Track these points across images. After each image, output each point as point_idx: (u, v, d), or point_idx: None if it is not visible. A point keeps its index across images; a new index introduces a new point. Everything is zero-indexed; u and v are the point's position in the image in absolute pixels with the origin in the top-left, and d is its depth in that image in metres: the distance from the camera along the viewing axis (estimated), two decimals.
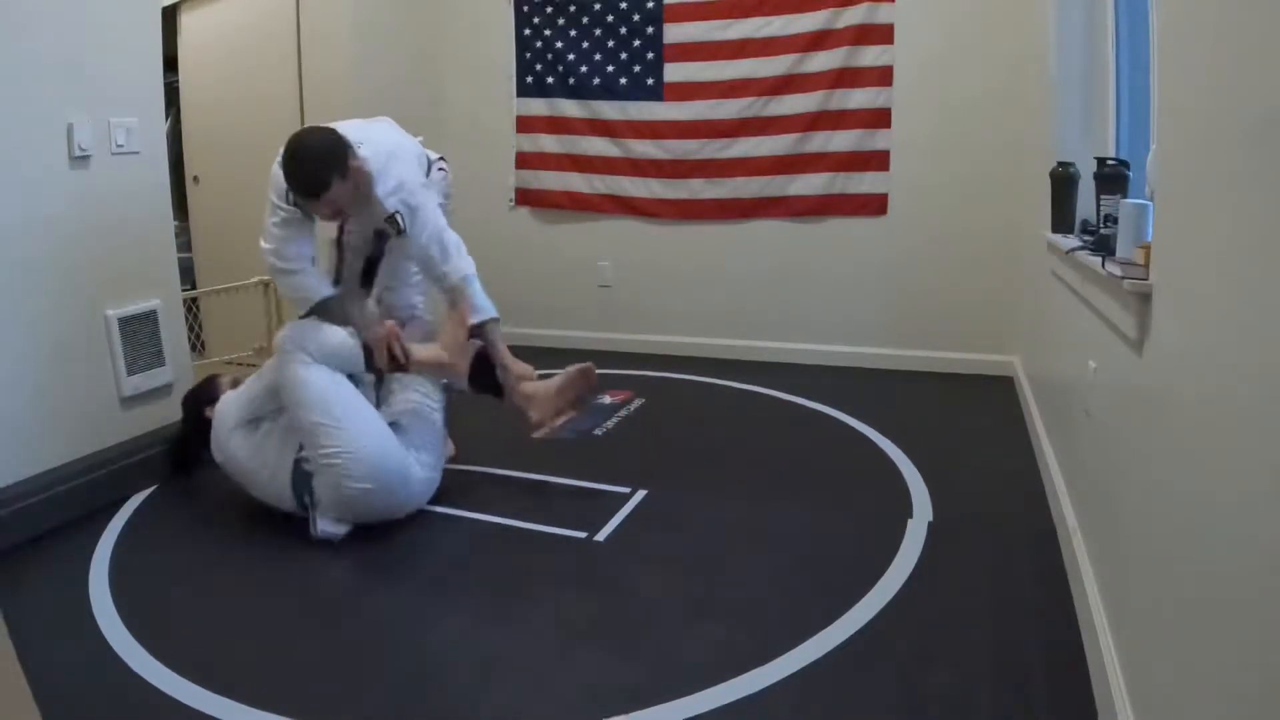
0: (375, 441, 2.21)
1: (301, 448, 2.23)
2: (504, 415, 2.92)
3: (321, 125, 2.28)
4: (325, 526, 2.20)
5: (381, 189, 2.24)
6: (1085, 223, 2.32)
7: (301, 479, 2.23)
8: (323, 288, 2.39)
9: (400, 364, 2.33)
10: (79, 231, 2.48)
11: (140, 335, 2.67)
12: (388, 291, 2.60)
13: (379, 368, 2.34)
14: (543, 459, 2.66)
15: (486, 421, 3.00)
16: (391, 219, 2.27)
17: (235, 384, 2.51)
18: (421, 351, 2.38)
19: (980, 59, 3.49)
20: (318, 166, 2.13)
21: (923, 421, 3.10)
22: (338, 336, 2.30)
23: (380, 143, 2.31)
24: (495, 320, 2.40)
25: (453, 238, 2.36)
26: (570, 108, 4.11)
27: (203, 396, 2.54)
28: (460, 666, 1.69)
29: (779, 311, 3.97)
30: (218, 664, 1.69)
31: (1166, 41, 1.47)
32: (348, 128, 2.27)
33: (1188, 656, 1.08)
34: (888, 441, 2.88)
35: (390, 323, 2.36)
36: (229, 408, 2.38)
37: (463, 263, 2.35)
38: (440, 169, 2.59)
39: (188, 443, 2.61)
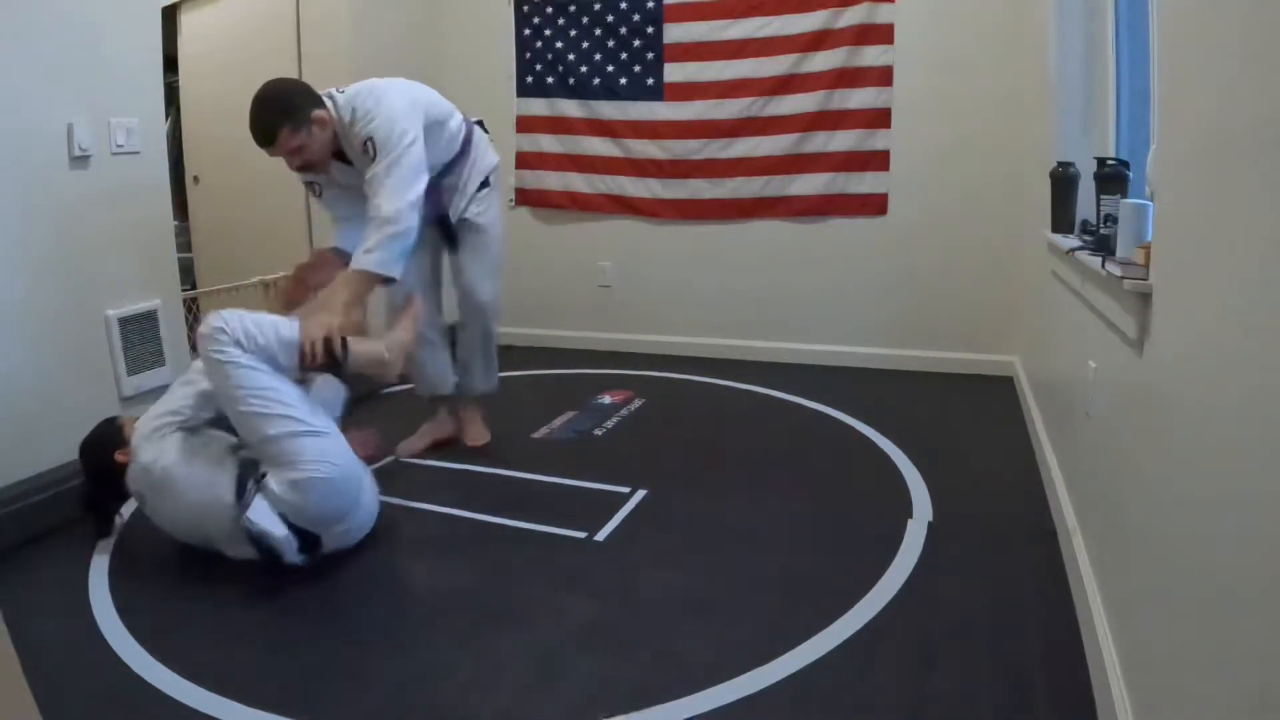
0: (347, 449, 2.06)
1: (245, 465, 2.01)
2: (504, 416, 2.93)
3: (290, 78, 2.34)
4: (259, 518, 1.92)
5: (357, 121, 2.27)
6: (1085, 223, 2.32)
7: (246, 471, 2.00)
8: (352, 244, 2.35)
9: (336, 361, 2.09)
10: (79, 231, 2.48)
11: (140, 335, 2.67)
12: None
13: (310, 365, 2.07)
14: (542, 459, 2.66)
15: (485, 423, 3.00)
16: (364, 147, 2.27)
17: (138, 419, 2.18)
18: (361, 346, 2.16)
19: (980, 59, 3.49)
20: (265, 115, 2.21)
21: (923, 421, 3.10)
22: (288, 327, 2.04)
23: (369, 85, 2.34)
24: (360, 275, 2.20)
25: (406, 175, 2.24)
26: (570, 108, 4.11)
27: (108, 442, 2.14)
28: (460, 666, 1.69)
29: (779, 311, 3.97)
30: (218, 664, 1.69)
31: (1166, 41, 1.47)
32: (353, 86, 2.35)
33: (1188, 656, 1.08)
34: (888, 441, 2.88)
35: (331, 320, 2.11)
36: (147, 423, 2.10)
37: (388, 204, 2.21)
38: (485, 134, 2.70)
39: (99, 497, 2.19)
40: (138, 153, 2.64)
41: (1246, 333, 0.94)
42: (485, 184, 2.69)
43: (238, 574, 2.08)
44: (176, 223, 3.09)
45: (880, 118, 3.66)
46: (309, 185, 2.58)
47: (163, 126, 2.81)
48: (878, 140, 3.69)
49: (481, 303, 2.74)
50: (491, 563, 2.12)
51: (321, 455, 1.98)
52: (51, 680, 1.61)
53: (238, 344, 1.97)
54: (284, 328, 2.03)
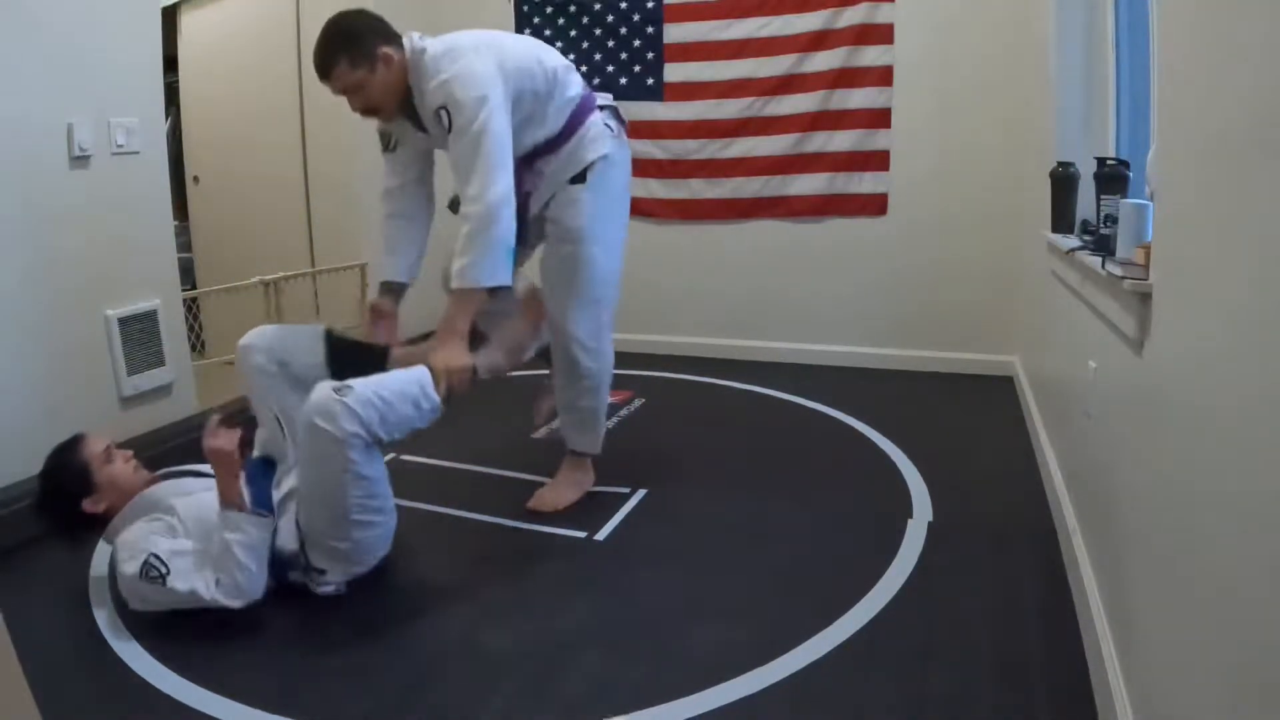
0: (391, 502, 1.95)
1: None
2: (503, 417, 2.93)
3: (364, 9, 2.09)
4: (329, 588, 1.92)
5: (431, 80, 2.01)
6: (1085, 223, 2.32)
7: (286, 561, 1.91)
8: (390, 261, 2.20)
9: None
10: (79, 231, 2.48)
11: (140, 335, 2.67)
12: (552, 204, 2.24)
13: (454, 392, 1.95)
14: (542, 459, 2.65)
15: (486, 423, 3.00)
16: (438, 113, 2.00)
17: (108, 449, 1.93)
18: (486, 361, 2.07)
19: (980, 59, 3.49)
20: (325, 44, 1.99)
21: (923, 421, 3.10)
22: (424, 396, 1.89)
23: (456, 38, 2.08)
24: (466, 294, 1.99)
25: (491, 156, 1.94)
26: None
27: (74, 488, 1.88)
28: (460, 667, 1.69)
29: (779, 311, 3.97)
30: (218, 664, 1.69)
31: (1166, 41, 1.47)
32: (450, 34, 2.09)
33: (1188, 656, 1.08)
34: (888, 441, 2.88)
35: (462, 355, 1.97)
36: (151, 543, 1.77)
37: (480, 196, 1.93)
38: (606, 123, 2.25)
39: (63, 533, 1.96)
40: (138, 153, 2.64)
41: (1246, 332, 0.94)
42: (581, 177, 2.20)
43: None
44: (176, 223, 3.09)
45: (880, 118, 3.66)
46: (382, 138, 2.26)
47: (163, 126, 2.81)
48: (878, 140, 3.69)
49: (570, 340, 2.25)
50: (492, 563, 2.12)
51: (384, 543, 1.93)
52: (51, 680, 1.61)
53: (366, 444, 1.80)
54: (422, 399, 1.88)
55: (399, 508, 2.23)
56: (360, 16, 2.07)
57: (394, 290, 2.27)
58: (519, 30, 4.12)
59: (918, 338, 3.78)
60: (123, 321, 2.61)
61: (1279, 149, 0.86)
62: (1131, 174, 2.02)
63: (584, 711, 1.53)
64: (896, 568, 2.02)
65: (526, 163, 2.17)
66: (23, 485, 2.30)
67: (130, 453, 1.97)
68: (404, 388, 1.87)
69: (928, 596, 1.90)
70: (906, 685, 1.59)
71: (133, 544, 1.77)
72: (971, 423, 3.11)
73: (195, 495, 1.91)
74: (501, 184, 1.95)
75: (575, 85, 2.23)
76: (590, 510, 2.37)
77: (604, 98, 2.32)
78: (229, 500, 1.79)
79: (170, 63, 3.65)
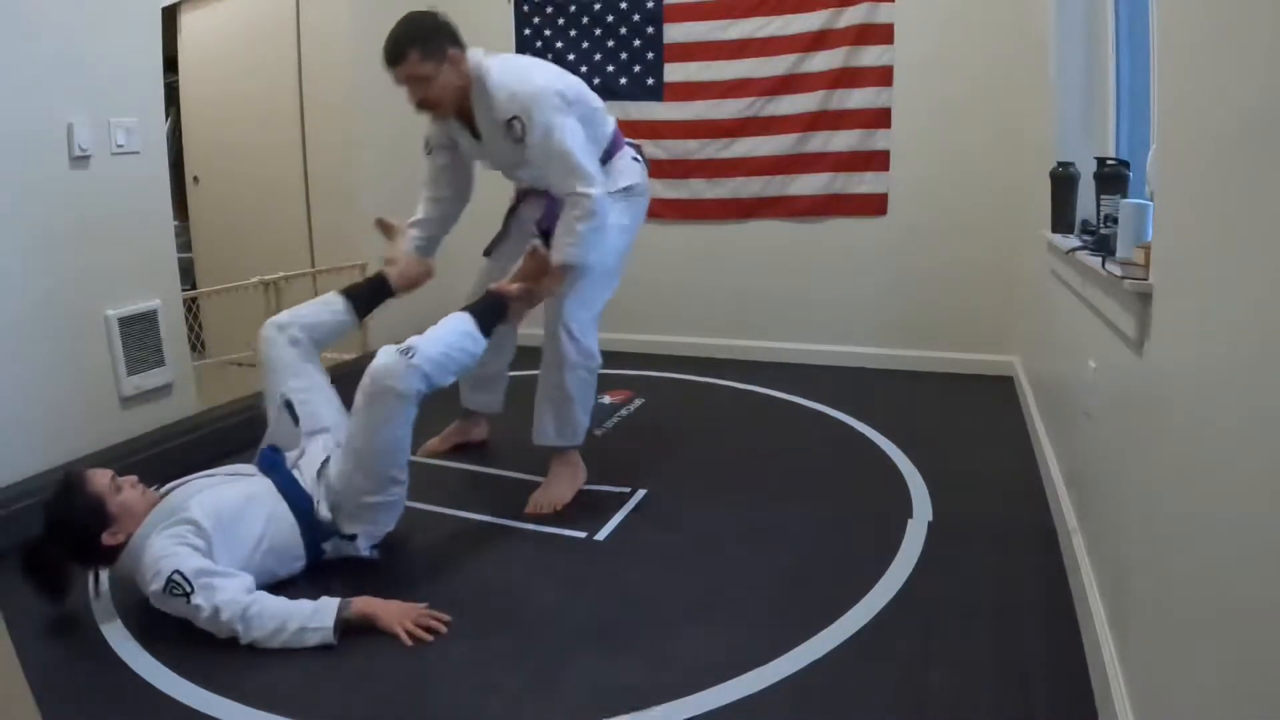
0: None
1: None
2: (503, 416, 2.92)
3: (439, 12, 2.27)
4: (366, 548, 2.07)
5: (501, 92, 2.21)
6: (1085, 223, 2.32)
7: (318, 530, 2.02)
8: (413, 230, 2.50)
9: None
10: (79, 231, 2.48)
11: (140, 335, 2.67)
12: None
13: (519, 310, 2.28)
14: (542, 459, 2.65)
15: (486, 423, 3.00)
16: (509, 123, 2.22)
17: (113, 478, 1.88)
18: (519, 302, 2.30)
19: (980, 59, 3.49)
20: (400, 35, 2.18)
21: (923, 421, 3.10)
22: (472, 339, 2.14)
23: (517, 60, 2.36)
24: (567, 267, 2.27)
25: (582, 163, 2.21)
26: None
27: (92, 523, 1.81)
28: (460, 667, 1.69)
29: (779, 311, 3.97)
30: (218, 664, 1.69)
31: (1166, 41, 1.47)
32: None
33: (1188, 657, 1.08)
34: (888, 441, 2.88)
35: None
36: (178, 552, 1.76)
37: (584, 187, 2.20)
38: (635, 158, 2.51)
39: (60, 572, 1.86)
40: (138, 153, 2.64)
41: (1246, 332, 0.94)
42: None
43: None
44: (176, 223, 3.09)
45: (880, 118, 3.66)
46: (427, 143, 2.52)
47: (163, 126, 2.81)
48: (878, 140, 3.69)
49: (560, 330, 2.40)
50: (491, 563, 2.12)
51: (399, 509, 2.10)
52: (51, 680, 1.61)
53: (421, 399, 2.02)
54: (472, 343, 2.12)
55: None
56: (436, 17, 2.25)
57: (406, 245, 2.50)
58: (519, 30, 4.13)
59: (918, 338, 3.78)
60: (123, 321, 2.61)
61: (1279, 149, 0.86)
62: (1131, 174, 2.02)
63: (584, 711, 1.53)
64: (896, 568, 2.02)
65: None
66: (23, 485, 2.30)
67: (135, 478, 1.92)
68: (458, 338, 2.10)
69: (928, 596, 1.90)
70: (906, 685, 1.59)
71: (156, 561, 1.75)
72: (971, 423, 3.11)
73: (208, 490, 1.92)
74: (597, 177, 2.24)
75: (610, 123, 2.48)
76: (590, 510, 2.37)
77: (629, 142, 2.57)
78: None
79: (170, 63, 3.66)
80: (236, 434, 2.90)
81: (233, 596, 1.73)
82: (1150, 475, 1.34)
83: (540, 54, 4.10)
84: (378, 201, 3.93)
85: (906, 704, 1.54)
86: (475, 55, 2.27)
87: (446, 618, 1.80)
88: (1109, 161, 2.07)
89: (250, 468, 2.10)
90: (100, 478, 1.87)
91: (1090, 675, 1.58)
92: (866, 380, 3.68)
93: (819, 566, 2.06)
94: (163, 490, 1.96)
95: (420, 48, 2.17)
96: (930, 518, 2.29)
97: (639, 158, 2.54)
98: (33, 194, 2.36)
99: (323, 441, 2.14)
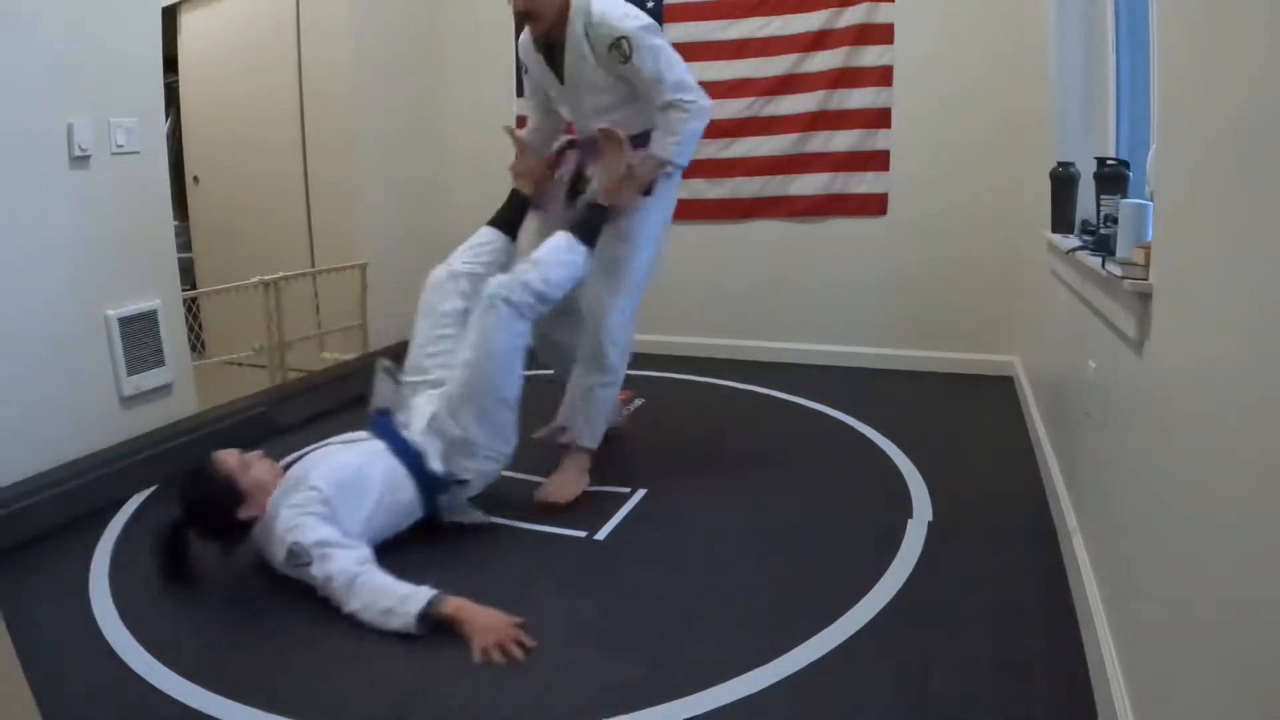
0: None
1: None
2: None
3: None
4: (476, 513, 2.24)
5: (609, 15, 2.29)
6: (1085, 223, 2.32)
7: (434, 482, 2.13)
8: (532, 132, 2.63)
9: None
10: (79, 231, 2.48)
11: (140, 335, 2.67)
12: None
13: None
14: (542, 459, 2.65)
15: None
16: (617, 44, 2.28)
17: (241, 458, 2.02)
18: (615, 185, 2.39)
19: (980, 59, 3.49)
20: None
21: (923, 421, 3.10)
22: (578, 254, 2.32)
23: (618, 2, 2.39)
24: (663, 163, 2.39)
25: (688, 78, 2.35)
26: None
27: (228, 502, 1.94)
28: (460, 667, 1.68)
29: (779, 311, 3.97)
30: (218, 664, 1.69)
31: (1166, 41, 1.47)
32: None
33: (1188, 656, 1.08)
34: (888, 441, 2.88)
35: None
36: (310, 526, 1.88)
37: (686, 90, 2.33)
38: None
39: (184, 551, 1.99)
40: (138, 153, 2.64)
41: (1246, 332, 0.94)
42: (649, 189, 2.43)
43: (238, 574, 2.08)
44: (176, 223, 3.09)
45: (880, 118, 3.66)
46: (519, 79, 2.67)
47: (163, 126, 2.81)
48: (878, 140, 3.69)
49: (601, 331, 2.43)
50: (492, 563, 2.12)
51: (508, 442, 2.22)
52: (51, 680, 1.61)
53: (531, 306, 2.18)
54: (573, 253, 2.28)
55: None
56: None
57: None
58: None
59: (918, 338, 3.78)
60: (123, 321, 2.61)
61: (1279, 149, 0.86)
62: (1131, 174, 2.02)
63: (584, 711, 1.53)
64: (896, 568, 2.02)
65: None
66: (23, 485, 2.30)
67: (260, 452, 2.08)
68: (560, 253, 2.26)
69: (928, 596, 1.90)
70: (906, 685, 1.59)
71: (283, 532, 1.89)
72: (971, 423, 3.11)
73: (328, 458, 2.06)
74: (702, 91, 2.37)
75: None
76: (590, 510, 2.37)
77: None
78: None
79: (170, 63, 3.66)
80: (236, 434, 2.90)
81: (344, 567, 1.83)
82: (1150, 475, 1.34)
83: None
84: (378, 201, 3.94)
85: (906, 704, 1.54)
86: None
87: (532, 644, 1.73)
88: (1109, 161, 2.07)
89: (363, 433, 2.20)
90: (230, 458, 2.01)
91: (1090, 675, 1.58)
92: (866, 380, 3.68)
93: (819, 566, 2.06)
94: (285, 462, 2.13)
95: None
96: (930, 518, 2.29)
97: None
98: (33, 194, 2.36)
99: (430, 395, 2.23)
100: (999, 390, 3.44)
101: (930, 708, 1.53)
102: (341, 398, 3.33)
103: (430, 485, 2.13)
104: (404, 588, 1.81)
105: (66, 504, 2.33)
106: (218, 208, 4.21)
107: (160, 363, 2.74)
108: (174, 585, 1.97)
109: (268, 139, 3.99)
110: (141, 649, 1.75)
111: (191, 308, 3.06)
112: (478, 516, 2.24)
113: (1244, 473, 0.93)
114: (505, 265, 2.39)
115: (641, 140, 2.45)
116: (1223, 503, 0.99)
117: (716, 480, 2.62)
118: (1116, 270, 1.50)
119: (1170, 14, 1.42)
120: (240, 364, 3.44)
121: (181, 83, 4.16)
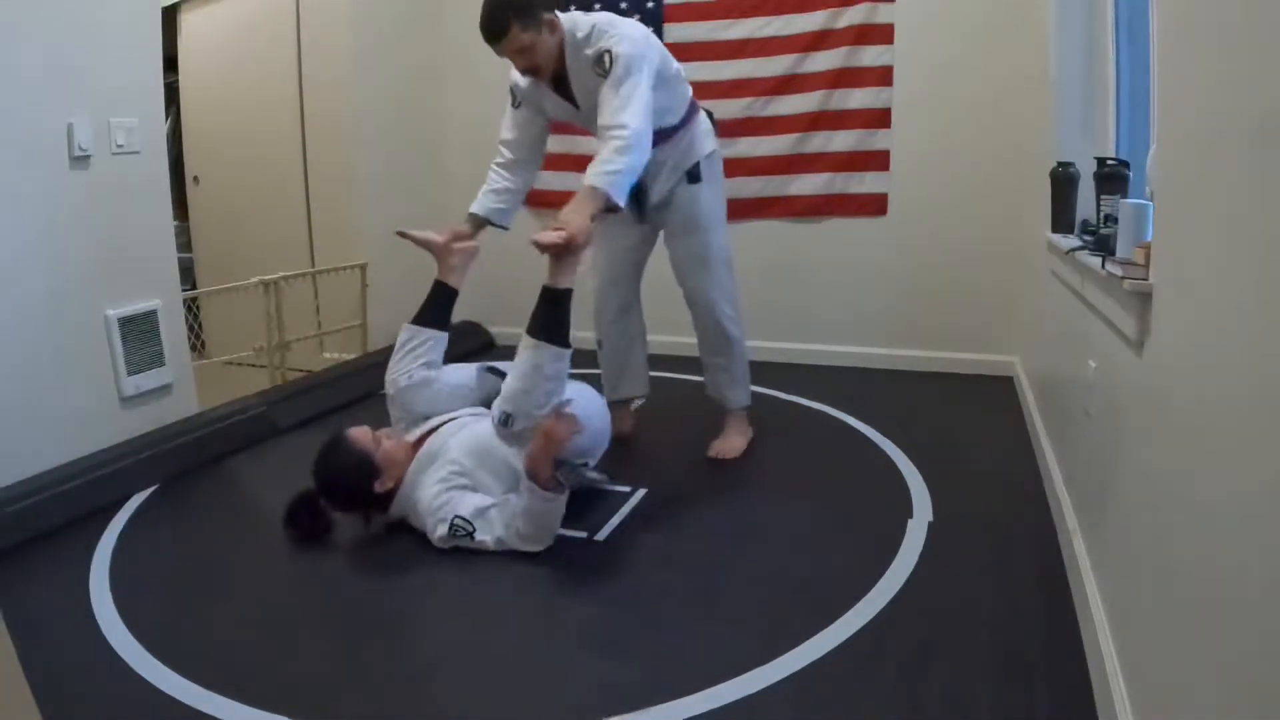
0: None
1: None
2: None
3: None
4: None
5: (598, 29, 2.27)
6: (1085, 223, 2.32)
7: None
8: (486, 197, 2.57)
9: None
10: (79, 231, 2.48)
11: (140, 335, 2.67)
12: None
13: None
14: None
15: None
16: (600, 58, 2.25)
17: (374, 434, 2.18)
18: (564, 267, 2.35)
19: (980, 59, 3.49)
20: (497, 9, 2.21)
21: (923, 421, 3.10)
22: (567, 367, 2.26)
23: (605, 15, 2.38)
24: (599, 194, 2.17)
25: (642, 100, 2.21)
26: None
27: (366, 475, 2.12)
28: (460, 666, 1.69)
29: (779, 311, 3.97)
30: (218, 664, 1.69)
31: (1166, 41, 1.47)
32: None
33: (1188, 656, 1.08)
34: (888, 441, 2.88)
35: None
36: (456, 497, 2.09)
37: (631, 120, 2.17)
38: (708, 126, 2.65)
39: (321, 519, 2.20)
40: (138, 153, 2.64)
41: (1246, 332, 0.94)
42: (696, 175, 2.59)
43: (238, 574, 2.08)
44: (176, 223, 3.09)
45: (880, 118, 3.66)
46: (512, 94, 2.54)
47: (163, 126, 2.81)
48: (878, 140, 3.69)
49: (717, 314, 2.69)
50: (492, 562, 2.12)
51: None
52: (51, 680, 1.61)
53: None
54: (547, 366, 2.15)
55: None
56: None
57: (477, 224, 2.56)
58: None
59: (918, 338, 3.78)
60: (123, 321, 2.61)
61: (1279, 149, 0.86)
62: (1131, 174, 2.02)
63: (584, 711, 1.53)
64: (896, 568, 2.02)
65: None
66: (23, 485, 2.30)
67: (389, 429, 2.23)
68: (540, 380, 2.12)
69: (928, 596, 1.90)
70: (906, 685, 1.59)
71: (436, 508, 2.06)
72: (971, 423, 3.11)
73: (463, 431, 2.20)
74: (646, 123, 2.22)
75: (689, 88, 2.58)
76: (590, 510, 2.37)
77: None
78: (535, 473, 2.02)
79: (170, 63, 3.66)
80: (236, 434, 2.91)
81: (506, 522, 2.04)
82: (1150, 475, 1.34)
83: None
84: (378, 201, 3.94)
85: (906, 704, 1.54)
86: (567, 14, 2.34)
87: (579, 426, 2.04)
88: (1109, 161, 2.07)
89: (484, 410, 2.31)
90: (363, 436, 2.15)
91: (1090, 675, 1.58)
92: (867, 380, 3.68)
93: (819, 566, 2.06)
94: (414, 436, 2.23)
95: (519, 20, 2.20)
96: (930, 518, 2.29)
97: (711, 122, 2.70)
98: (33, 194, 2.36)
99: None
100: (999, 390, 3.44)
101: (930, 707, 1.53)
102: (341, 398, 3.34)
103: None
104: (520, 496, 2.03)
105: (66, 504, 2.33)
106: (218, 208, 4.21)
107: (160, 363, 2.74)
108: (311, 539, 2.16)
109: (268, 139, 3.99)
110: (141, 648, 1.75)
111: (191, 308, 3.07)
112: (598, 477, 2.38)
113: (1244, 472, 0.93)
114: (440, 361, 2.41)
115: (667, 135, 2.47)
116: (1223, 502, 0.99)
117: (717, 480, 2.62)
118: (1116, 270, 1.50)
119: (1170, 14, 1.42)
120: (240, 364, 3.45)
121: (181, 82, 4.16)
